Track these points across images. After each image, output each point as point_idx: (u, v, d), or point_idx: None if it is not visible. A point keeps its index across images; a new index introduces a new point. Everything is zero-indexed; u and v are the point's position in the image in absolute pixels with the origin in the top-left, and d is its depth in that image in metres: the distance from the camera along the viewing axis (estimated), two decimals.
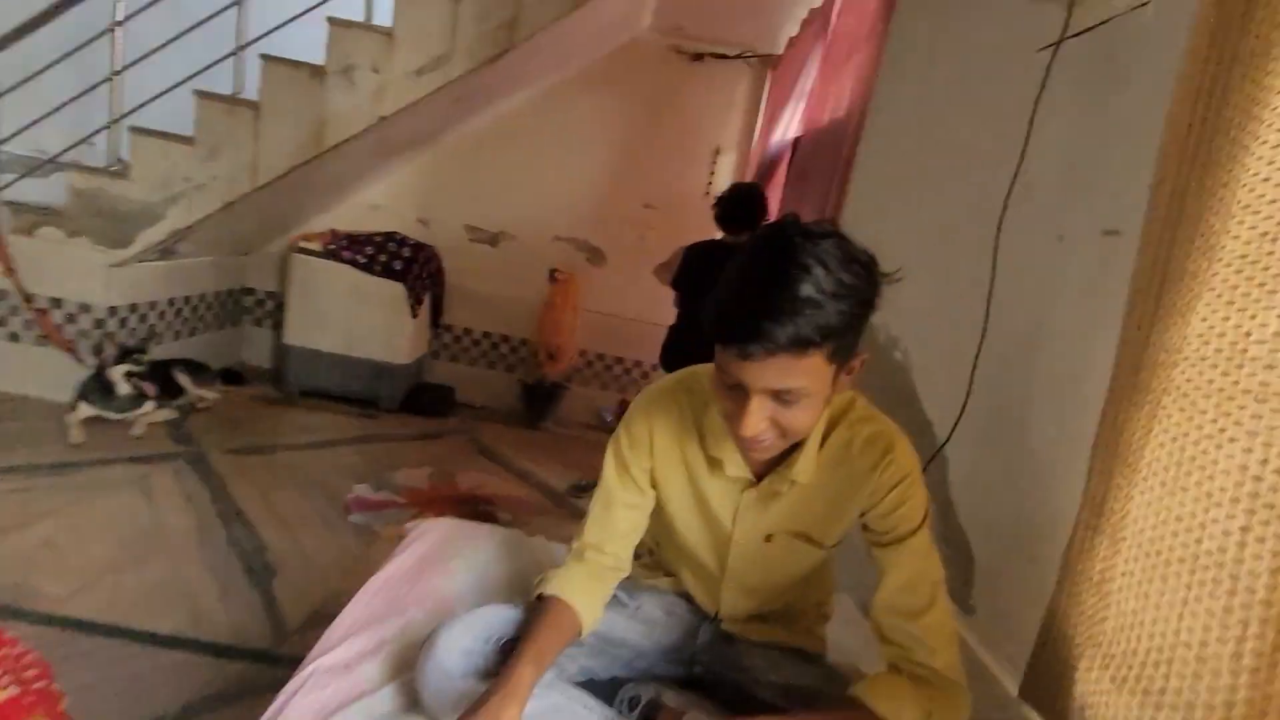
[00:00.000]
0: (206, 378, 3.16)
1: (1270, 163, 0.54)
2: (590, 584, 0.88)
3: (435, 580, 1.08)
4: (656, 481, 0.90)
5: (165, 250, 2.89)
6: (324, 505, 2.46)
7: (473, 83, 2.80)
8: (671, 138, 3.77)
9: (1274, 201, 0.53)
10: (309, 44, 2.69)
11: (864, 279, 0.66)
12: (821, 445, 0.81)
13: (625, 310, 3.92)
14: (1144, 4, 0.83)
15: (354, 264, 3.31)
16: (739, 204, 2.34)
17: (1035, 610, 0.87)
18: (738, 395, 0.70)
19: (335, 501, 2.49)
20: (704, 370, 0.89)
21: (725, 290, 0.67)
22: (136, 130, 2.69)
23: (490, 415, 3.88)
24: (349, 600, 1.09)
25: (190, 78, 2.64)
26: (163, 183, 2.71)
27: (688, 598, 1.00)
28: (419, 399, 3.60)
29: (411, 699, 0.82)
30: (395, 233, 3.51)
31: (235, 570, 1.96)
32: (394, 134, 3.00)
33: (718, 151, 3.80)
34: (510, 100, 3.56)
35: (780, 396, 0.68)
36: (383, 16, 2.66)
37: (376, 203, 3.72)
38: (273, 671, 1.56)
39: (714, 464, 0.85)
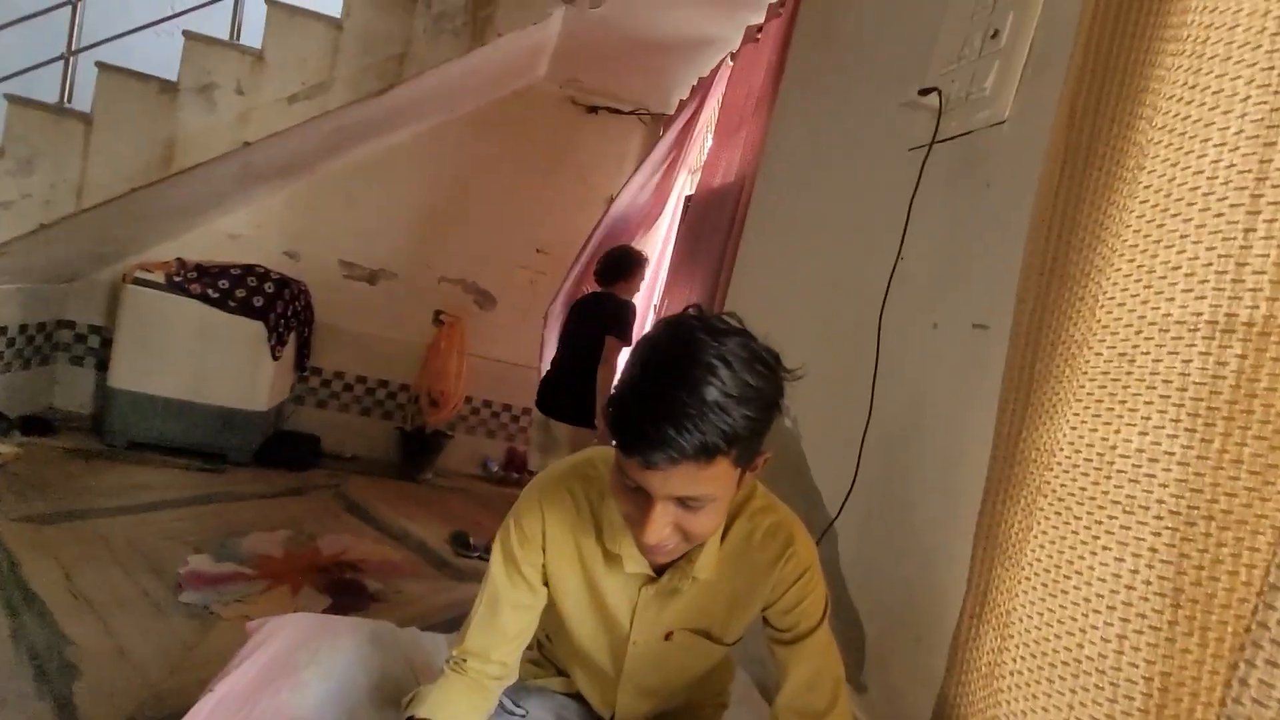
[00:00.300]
0: (1, 427, 2.64)
1: (1124, 289, 0.59)
2: (472, 699, 0.78)
3: (282, 697, 0.92)
4: (549, 578, 0.83)
5: None
6: (149, 583, 2.10)
7: (355, 114, 2.64)
8: (565, 184, 3.78)
9: (1129, 325, 0.58)
10: (160, 58, 2.42)
11: (769, 380, 0.64)
12: (723, 539, 0.79)
13: (515, 356, 3.80)
14: (1000, 123, 0.92)
15: (204, 299, 2.95)
16: (612, 264, 2.64)
17: (925, 690, 0.88)
18: (640, 499, 0.65)
19: (165, 577, 2.13)
20: (600, 457, 0.84)
21: (628, 391, 0.63)
22: None
23: (362, 467, 3.56)
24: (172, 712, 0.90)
25: (4, 79, 2.27)
26: None
27: (580, 699, 0.93)
28: (277, 450, 3.23)
29: None
30: (257, 265, 3.18)
31: (22, 674, 1.60)
32: (261, 160, 2.75)
33: (611, 200, 3.84)
34: (397, 134, 3.40)
35: (685, 502, 0.64)
36: (251, 37, 2.45)
37: (236, 232, 3.37)
38: None
39: (611, 559, 0.80)
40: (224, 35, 2.43)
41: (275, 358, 3.09)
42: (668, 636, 0.82)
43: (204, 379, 2.99)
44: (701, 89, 2.91)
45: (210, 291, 2.96)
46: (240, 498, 2.84)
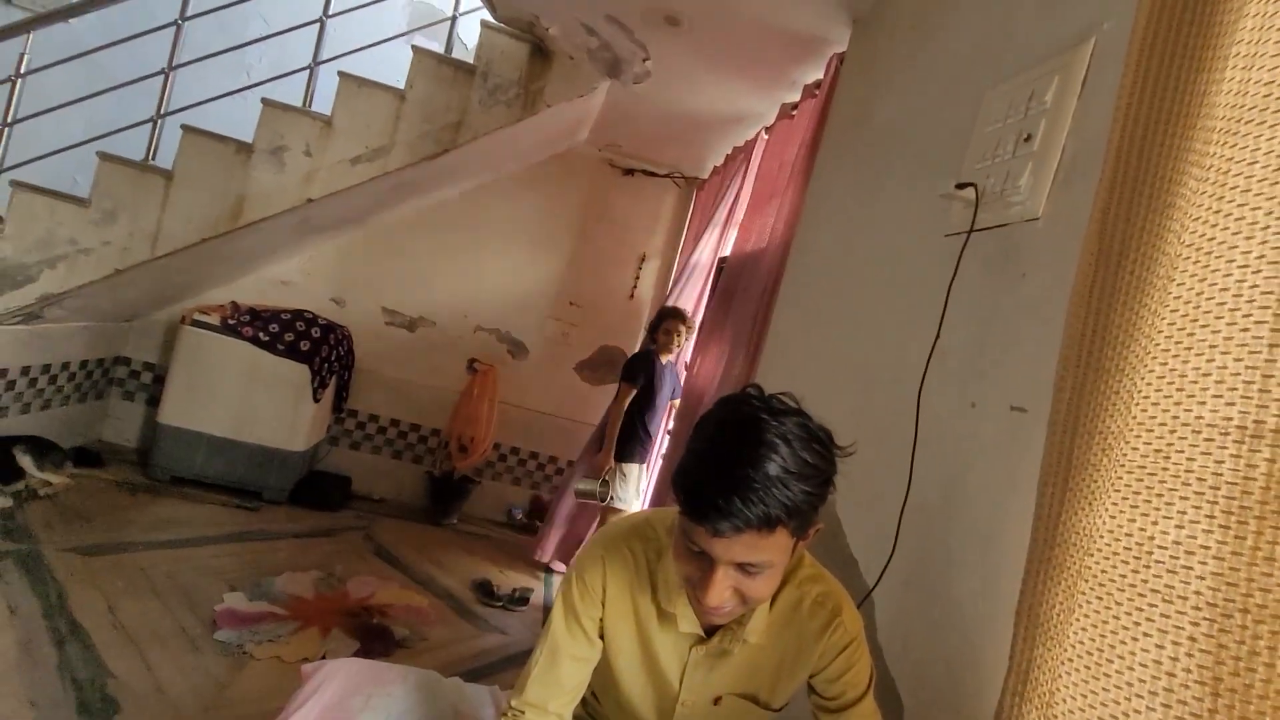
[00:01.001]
0: (55, 459, 2.76)
1: (1158, 389, 0.64)
2: None
3: None
4: (605, 632, 0.87)
5: (30, 315, 2.58)
6: (186, 618, 2.15)
7: (409, 174, 2.82)
8: (600, 241, 3.93)
9: (1163, 424, 0.63)
10: (234, 120, 2.63)
11: (824, 458, 0.70)
12: (771, 604, 0.82)
13: (544, 405, 3.88)
14: (1035, 219, 0.99)
15: (255, 341, 3.09)
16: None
17: None
18: (703, 563, 0.70)
19: (200, 613, 2.19)
20: (658, 517, 0.89)
21: (695, 465, 0.69)
22: (20, 185, 2.46)
23: (390, 509, 3.62)
24: None
25: (96, 138, 2.48)
26: (41, 243, 2.46)
27: None
28: (310, 490, 3.31)
29: None
30: (305, 311, 3.34)
31: (66, 706, 1.65)
32: (319, 215, 2.92)
33: (643, 258, 3.98)
34: (444, 191, 3.59)
35: (745, 568, 0.69)
36: (322, 104, 2.66)
37: (288, 279, 3.55)
38: None
39: (665, 617, 0.84)
40: (298, 102, 2.64)
41: (316, 400, 3.21)
42: (716, 701, 0.85)
43: (247, 418, 3.11)
44: (737, 157, 3.06)
45: (261, 334, 3.11)
46: (274, 536, 2.90)
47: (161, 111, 2.57)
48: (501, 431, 3.82)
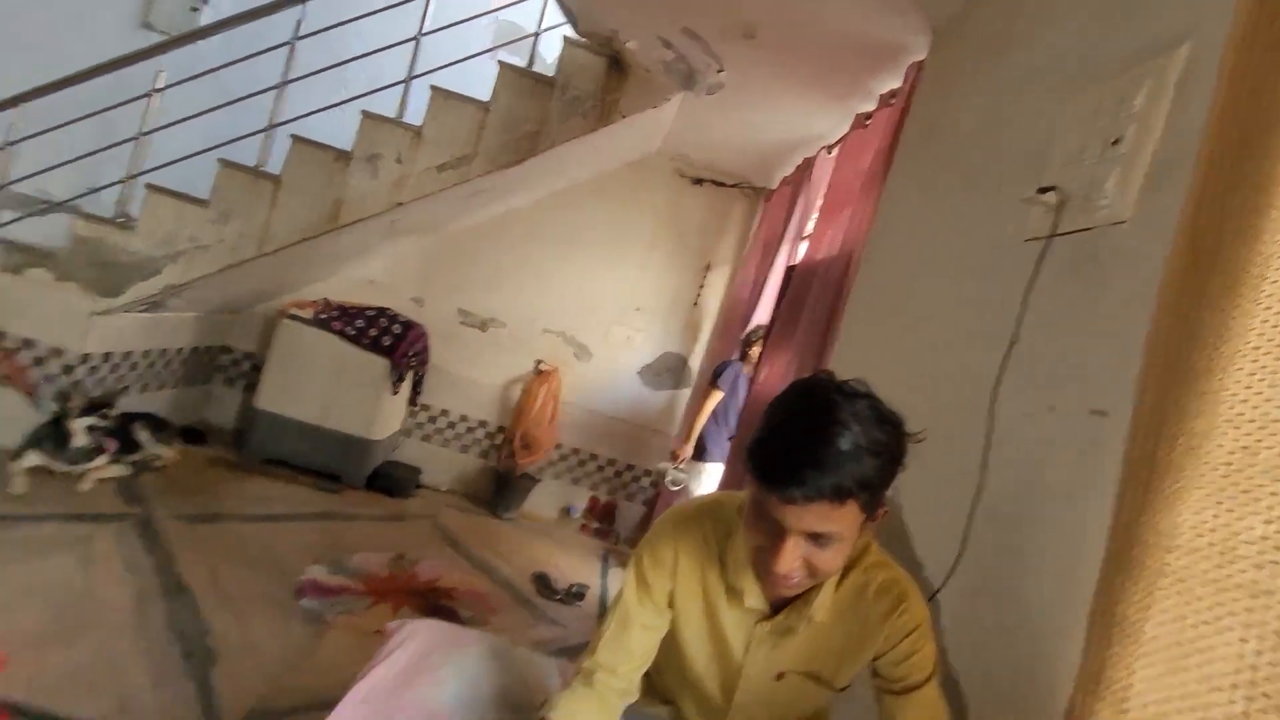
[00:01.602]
0: (167, 434, 3.04)
1: (1247, 386, 0.64)
2: (598, 711, 0.87)
3: (425, 689, 1.04)
4: (674, 604, 0.91)
5: (154, 304, 2.86)
6: (275, 585, 2.32)
7: (488, 181, 2.97)
8: (667, 249, 4.00)
9: (1252, 420, 0.63)
10: (336, 131, 2.85)
11: (894, 438, 0.73)
12: (837, 586, 0.85)
13: (606, 407, 3.96)
14: (1120, 223, 0.98)
15: (343, 335, 3.32)
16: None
17: None
18: (774, 533, 0.74)
19: (287, 582, 2.36)
20: (728, 499, 0.93)
21: (769, 438, 0.73)
22: (152, 188, 2.74)
23: (455, 500, 3.78)
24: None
25: (217, 146, 2.74)
26: (167, 239, 2.73)
27: None
28: (384, 477, 3.50)
29: None
30: (388, 309, 3.55)
31: (173, 654, 1.82)
32: (405, 218, 3.12)
33: (708, 267, 4.02)
34: (520, 197, 3.76)
35: (815, 539, 0.73)
36: (414, 116, 2.84)
37: (373, 278, 3.79)
38: None
39: (733, 593, 0.87)
40: (392, 114, 2.83)
41: (394, 393, 3.40)
42: (779, 677, 0.88)
43: (332, 407, 3.33)
44: (808, 167, 3.07)
45: (348, 329, 3.33)
46: (352, 518, 3.09)
47: (272, 122, 2.82)
48: (563, 432, 3.92)
